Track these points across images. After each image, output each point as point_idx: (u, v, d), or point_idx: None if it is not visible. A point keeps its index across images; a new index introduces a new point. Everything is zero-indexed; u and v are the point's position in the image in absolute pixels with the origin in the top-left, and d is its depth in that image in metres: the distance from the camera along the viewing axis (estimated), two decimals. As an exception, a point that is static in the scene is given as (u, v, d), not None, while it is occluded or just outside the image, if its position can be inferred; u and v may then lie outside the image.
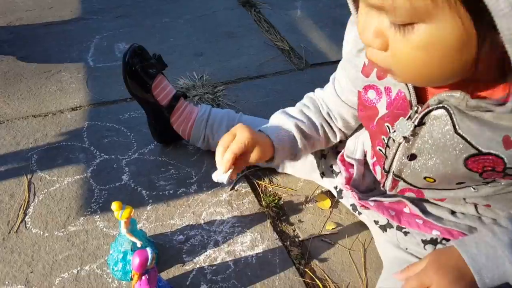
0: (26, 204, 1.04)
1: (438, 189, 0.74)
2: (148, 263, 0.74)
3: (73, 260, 0.91)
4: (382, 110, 0.71)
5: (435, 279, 0.67)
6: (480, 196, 0.72)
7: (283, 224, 1.00)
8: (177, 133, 1.14)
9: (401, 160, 0.70)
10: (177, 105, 1.11)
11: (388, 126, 0.70)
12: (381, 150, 0.75)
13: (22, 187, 1.08)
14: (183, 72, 1.52)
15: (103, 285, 0.86)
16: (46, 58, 1.60)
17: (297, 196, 1.07)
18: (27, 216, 1.01)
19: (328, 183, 1.02)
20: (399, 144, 0.68)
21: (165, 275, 0.88)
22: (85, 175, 1.12)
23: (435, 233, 0.78)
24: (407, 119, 0.65)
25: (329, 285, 0.87)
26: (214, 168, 1.03)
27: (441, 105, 0.60)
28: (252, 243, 0.95)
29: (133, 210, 0.81)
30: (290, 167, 1.10)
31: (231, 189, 1.05)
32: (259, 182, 1.10)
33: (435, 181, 0.70)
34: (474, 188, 0.70)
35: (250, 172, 1.13)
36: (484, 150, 0.60)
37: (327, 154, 1.01)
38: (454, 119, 0.60)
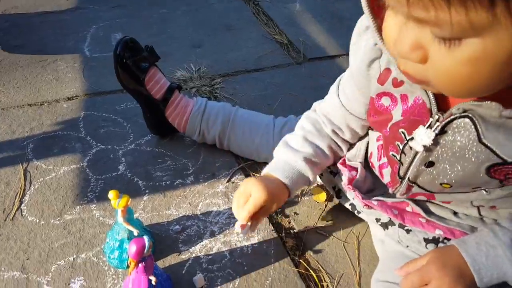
0: (22, 192, 1.06)
1: (451, 192, 0.75)
2: (145, 251, 0.76)
3: (69, 248, 0.93)
4: (397, 116, 0.71)
5: (436, 276, 0.70)
6: (490, 199, 0.73)
7: (279, 216, 1.03)
8: (172, 126, 1.16)
9: (418, 167, 0.70)
10: (172, 98, 1.12)
11: (403, 133, 0.70)
12: (394, 156, 0.75)
13: (18, 175, 1.10)
14: (180, 64, 1.54)
15: (100, 273, 0.89)
16: (42, 47, 1.62)
17: (293, 189, 1.10)
18: (23, 204, 1.03)
19: (326, 183, 1.03)
20: (417, 152, 0.68)
21: (161, 263, 0.91)
22: (81, 164, 1.14)
23: (438, 233, 0.80)
24: (427, 128, 0.65)
25: (323, 276, 0.90)
26: (210, 159, 1.07)
27: (465, 114, 0.60)
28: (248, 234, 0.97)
29: (130, 199, 0.83)
30: None
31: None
32: (256, 174, 1.13)
33: (451, 186, 0.70)
34: (486, 191, 0.71)
35: (246, 165, 1.15)
36: (509, 160, 0.60)
37: None
38: (479, 128, 0.59)
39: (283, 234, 0.98)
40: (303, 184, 0.91)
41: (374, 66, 0.72)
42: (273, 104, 1.38)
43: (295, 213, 1.04)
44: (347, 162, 0.93)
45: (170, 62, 1.52)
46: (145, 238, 0.76)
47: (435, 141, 0.65)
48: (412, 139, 0.67)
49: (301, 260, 0.93)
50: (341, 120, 0.88)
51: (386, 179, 0.85)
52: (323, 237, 0.98)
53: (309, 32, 1.78)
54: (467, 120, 0.60)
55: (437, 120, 0.64)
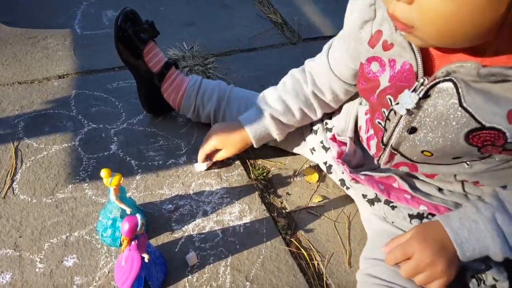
0: (13, 170, 1.07)
1: (433, 163, 0.78)
2: (138, 229, 0.77)
3: (62, 226, 0.95)
4: (384, 82, 0.74)
5: (417, 249, 0.72)
6: (472, 172, 0.76)
7: (271, 196, 1.05)
8: (167, 103, 1.17)
9: (400, 133, 0.73)
10: (168, 73, 1.13)
11: (389, 99, 0.72)
12: (380, 123, 0.78)
13: (9, 153, 1.11)
14: (172, 42, 1.54)
15: (92, 250, 0.90)
16: (32, 24, 1.61)
17: (286, 170, 1.12)
18: (15, 183, 1.04)
19: (317, 158, 1.06)
20: (401, 117, 0.71)
21: (154, 242, 0.93)
22: (73, 143, 1.15)
23: (422, 208, 0.83)
24: (412, 91, 0.67)
25: (313, 255, 0.93)
26: (203, 139, 1.08)
27: (448, 77, 0.62)
28: (240, 213, 0.99)
29: (122, 177, 0.84)
30: (280, 142, 1.14)
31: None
32: (248, 154, 1.14)
33: (432, 155, 0.73)
34: (467, 164, 0.74)
35: (239, 145, 1.17)
36: (487, 124, 0.62)
37: (318, 130, 1.05)
38: (461, 92, 0.62)
39: (275, 214, 1.00)
40: (266, 137, 1.04)
41: (366, 28, 0.75)
42: (266, 85, 1.38)
43: (287, 193, 1.06)
44: (337, 137, 0.96)
45: (162, 40, 1.50)
46: (138, 216, 0.77)
47: (418, 105, 0.67)
48: (397, 104, 0.70)
49: (292, 239, 0.95)
50: (325, 81, 0.94)
51: (372, 150, 0.88)
52: (314, 217, 1.00)
53: (304, 12, 1.78)
54: (449, 84, 0.63)
55: (422, 84, 0.66)
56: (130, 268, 0.80)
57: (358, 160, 0.95)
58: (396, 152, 0.78)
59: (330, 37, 1.56)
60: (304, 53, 1.55)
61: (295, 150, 1.13)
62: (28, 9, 1.69)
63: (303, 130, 1.09)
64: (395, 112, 0.71)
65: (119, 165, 1.09)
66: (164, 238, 0.94)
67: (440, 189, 0.83)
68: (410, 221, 0.85)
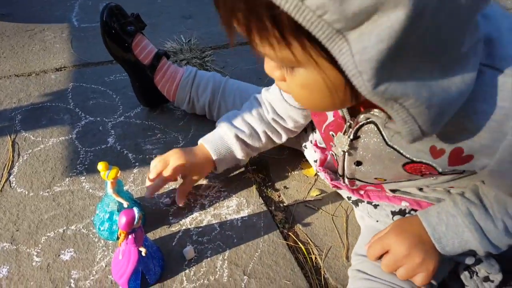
0: (10, 164, 1.05)
1: (394, 182, 0.78)
2: (135, 222, 0.76)
3: (58, 220, 0.94)
4: (330, 116, 0.75)
5: (394, 241, 0.72)
6: (441, 182, 0.75)
7: (269, 190, 1.04)
8: (162, 95, 1.15)
9: (349, 166, 0.76)
10: (160, 64, 1.12)
11: (333, 135, 0.75)
12: (333, 155, 0.80)
13: (6, 146, 1.09)
14: (170, 35, 1.52)
15: (89, 244, 0.89)
16: (29, 16, 1.59)
17: (283, 164, 1.11)
18: (12, 176, 1.02)
19: (309, 156, 1.05)
20: (344, 154, 0.74)
21: (152, 236, 0.91)
22: (70, 136, 1.13)
23: (404, 204, 0.83)
24: (343, 133, 0.71)
25: (311, 248, 0.91)
26: (201, 133, 1.06)
27: (370, 120, 0.65)
28: (237, 207, 0.98)
29: (119, 171, 0.83)
30: None
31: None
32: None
33: (385, 180, 0.75)
34: (433, 177, 0.73)
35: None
36: (415, 159, 0.64)
37: (307, 129, 1.03)
38: (383, 133, 0.65)
39: (273, 208, 0.99)
40: (230, 160, 0.98)
41: None
42: (264, 78, 1.37)
43: (285, 187, 1.04)
44: (318, 145, 0.95)
45: (159, 33, 1.50)
46: (135, 209, 0.76)
47: (352, 145, 0.71)
48: (335, 146, 0.74)
49: (290, 233, 0.94)
50: (283, 111, 0.94)
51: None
52: (312, 210, 0.99)
53: (301, 5, 1.76)
54: (372, 126, 0.66)
55: (350, 126, 0.69)
56: (127, 262, 0.79)
57: None
58: (354, 179, 0.80)
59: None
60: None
61: (290, 145, 1.12)
62: (26, 1, 1.67)
63: None
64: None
65: (116, 158, 1.08)
66: (161, 232, 0.92)
67: (420, 189, 0.82)
68: (393, 217, 0.84)
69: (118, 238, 0.82)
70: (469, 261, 0.75)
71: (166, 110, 1.22)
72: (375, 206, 0.87)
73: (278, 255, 0.89)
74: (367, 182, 0.79)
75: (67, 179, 1.02)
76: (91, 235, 0.91)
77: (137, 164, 1.07)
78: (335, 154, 0.78)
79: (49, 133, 1.13)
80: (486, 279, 0.76)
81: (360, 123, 0.66)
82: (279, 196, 1.03)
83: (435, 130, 0.50)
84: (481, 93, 0.51)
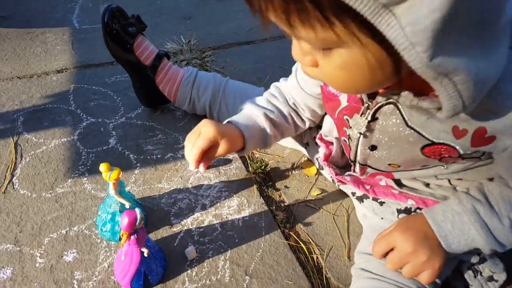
0: (13, 165, 1.04)
1: (406, 170, 0.77)
2: (137, 223, 0.75)
3: (61, 221, 0.93)
4: (343, 101, 0.73)
5: (399, 238, 0.71)
6: (450, 172, 0.74)
7: (270, 189, 1.03)
8: (163, 95, 1.14)
9: (363, 151, 0.74)
10: (161, 65, 1.11)
11: (347, 119, 0.73)
12: (345, 141, 0.78)
13: (9, 148, 1.08)
14: (170, 36, 1.51)
15: (92, 245, 0.88)
16: (30, 19, 1.57)
17: (284, 163, 1.10)
18: (15, 178, 1.01)
19: (311, 155, 1.04)
20: (359, 137, 0.72)
21: (153, 236, 0.90)
22: (72, 137, 1.12)
23: (410, 203, 0.81)
24: (361, 115, 0.68)
25: (312, 248, 0.90)
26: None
27: (390, 100, 0.63)
28: (238, 207, 0.97)
29: (121, 172, 0.82)
30: None
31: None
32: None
33: (399, 166, 0.73)
34: (443, 166, 0.72)
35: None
36: (436, 141, 0.63)
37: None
38: (403, 113, 0.63)
39: (274, 207, 0.98)
40: (259, 140, 0.91)
41: None
42: (264, 78, 1.36)
43: (286, 186, 1.03)
44: (324, 137, 0.93)
45: (160, 34, 1.49)
46: (137, 210, 0.75)
47: (370, 128, 0.69)
48: (351, 128, 0.71)
49: (291, 233, 0.93)
50: (300, 99, 0.92)
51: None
52: (313, 210, 0.98)
53: (300, 5, 1.74)
54: (392, 106, 0.64)
55: (368, 108, 0.66)
56: (130, 262, 0.78)
57: (346, 161, 0.92)
58: (365, 166, 0.78)
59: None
60: (301, 46, 1.52)
61: (291, 145, 1.11)
62: (27, 4, 1.66)
63: None
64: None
65: (118, 159, 1.07)
66: (163, 232, 0.91)
67: (427, 184, 0.81)
68: (398, 215, 0.83)
69: (120, 239, 0.82)
70: (473, 259, 0.74)
71: (166, 111, 1.21)
72: (381, 203, 0.85)
73: (279, 255, 0.88)
74: (379, 170, 0.78)
75: (69, 180, 1.01)
76: (93, 236, 0.90)
77: (138, 164, 1.06)
78: (348, 139, 0.75)
79: (51, 135, 1.12)
80: (490, 278, 0.75)
81: (379, 104, 0.64)
82: (280, 196, 1.02)
83: (474, 106, 0.50)
84: (508, 74, 0.50)
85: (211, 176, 1.04)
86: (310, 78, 0.81)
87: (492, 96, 0.52)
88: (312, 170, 1.06)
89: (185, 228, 0.92)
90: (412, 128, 0.63)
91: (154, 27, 1.40)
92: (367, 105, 0.66)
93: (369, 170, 0.79)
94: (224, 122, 0.90)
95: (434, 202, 0.79)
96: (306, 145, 1.05)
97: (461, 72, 0.44)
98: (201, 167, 0.84)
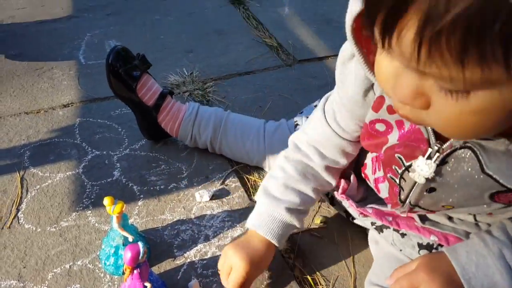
0: (18, 200, 1.02)
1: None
2: (140, 257, 0.73)
3: (65, 255, 0.89)
4: (392, 140, 0.67)
5: (425, 280, 0.65)
6: (489, 210, 0.69)
7: (272, 217, 0.99)
8: (165, 131, 1.12)
9: (418, 194, 0.68)
10: (164, 104, 1.08)
11: (400, 158, 0.66)
12: (393, 179, 0.72)
13: (15, 183, 1.06)
14: (173, 69, 1.50)
15: (95, 280, 0.85)
16: (38, 55, 1.57)
17: (286, 190, 1.06)
18: (20, 212, 0.99)
19: None
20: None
21: (157, 269, 0.87)
22: (77, 171, 1.10)
23: (432, 239, 0.76)
24: (427, 159, 0.61)
25: (318, 278, 0.86)
26: (204, 162, 1.02)
27: (466, 145, 0.57)
28: (242, 236, 0.94)
29: (125, 205, 0.80)
30: None
31: None
32: (249, 176, 1.09)
33: (453, 207, 0.68)
34: (486, 205, 0.67)
35: (239, 167, 1.11)
36: None
37: None
38: (481, 159, 0.57)
39: (277, 236, 0.94)
40: (290, 233, 0.84)
41: (369, 95, 0.67)
42: (264, 106, 1.34)
43: (288, 214, 1.00)
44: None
45: (163, 67, 1.48)
46: (140, 244, 0.73)
47: (436, 172, 0.62)
48: (410, 165, 0.64)
49: (296, 263, 0.89)
50: (335, 149, 0.80)
51: (383, 194, 0.81)
52: (317, 239, 0.94)
53: (298, 35, 1.74)
54: (468, 151, 0.57)
55: (437, 151, 0.60)
56: (133, 298, 0.74)
57: (362, 194, 0.88)
58: (415, 207, 0.72)
59: (324, 58, 1.52)
60: (299, 74, 1.51)
61: None
62: (35, 41, 1.66)
63: None
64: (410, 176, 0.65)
65: (122, 191, 1.04)
66: (166, 265, 0.88)
67: (450, 218, 0.77)
68: (419, 251, 0.78)
69: (123, 273, 0.78)
70: None
71: (169, 142, 1.19)
72: (402, 235, 0.80)
73: (284, 286, 0.84)
74: (428, 210, 0.72)
75: (74, 213, 0.98)
76: (97, 270, 0.86)
77: (141, 196, 1.03)
78: (400, 178, 0.68)
79: (57, 169, 1.10)
80: None
81: (453, 148, 0.58)
82: (283, 224, 0.98)
83: None
84: None
85: (214, 206, 1.01)
86: (350, 125, 0.74)
87: None
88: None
89: (188, 260, 0.89)
90: (488, 175, 0.57)
91: (158, 61, 1.38)
92: (436, 148, 0.60)
93: (416, 209, 0.73)
94: (249, 226, 0.82)
95: (456, 238, 0.74)
96: None
97: None
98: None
